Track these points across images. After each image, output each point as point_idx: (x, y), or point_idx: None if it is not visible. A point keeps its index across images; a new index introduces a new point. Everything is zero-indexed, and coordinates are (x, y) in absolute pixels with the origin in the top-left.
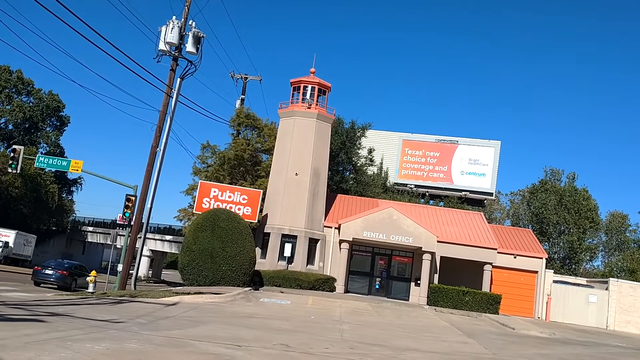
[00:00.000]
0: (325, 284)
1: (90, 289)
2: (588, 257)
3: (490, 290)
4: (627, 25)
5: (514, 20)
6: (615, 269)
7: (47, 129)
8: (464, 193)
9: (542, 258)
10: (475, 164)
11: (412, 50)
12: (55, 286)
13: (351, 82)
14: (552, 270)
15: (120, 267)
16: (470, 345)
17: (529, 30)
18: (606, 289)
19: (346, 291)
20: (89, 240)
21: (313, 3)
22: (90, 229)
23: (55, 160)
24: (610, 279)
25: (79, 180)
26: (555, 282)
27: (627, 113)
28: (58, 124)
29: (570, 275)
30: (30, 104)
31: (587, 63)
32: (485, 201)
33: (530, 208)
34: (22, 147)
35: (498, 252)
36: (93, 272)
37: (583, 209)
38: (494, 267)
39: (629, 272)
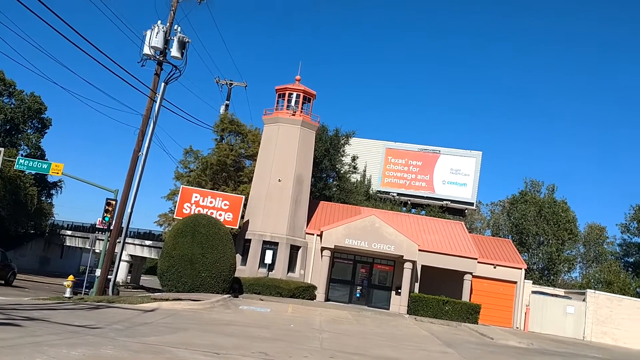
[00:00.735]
0: (305, 292)
1: (67, 294)
2: (566, 269)
3: (470, 300)
4: (612, 33)
5: (497, 27)
6: (592, 281)
7: (28, 131)
8: (445, 202)
9: (521, 269)
10: (456, 173)
11: (397, 58)
12: None
13: (336, 89)
14: (531, 281)
15: (98, 272)
16: (449, 355)
17: (512, 37)
18: (583, 300)
19: (327, 299)
20: (67, 244)
21: (300, 9)
22: (69, 232)
23: (36, 162)
24: (588, 290)
25: (58, 184)
26: (534, 292)
27: (609, 123)
28: (39, 126)
29: (549, 286)
30: (12, 105)
31: (570, 72)
32: (466, 211)
33: (510, 218)
34: (2, 149)
35: (478, 262)
36: (70, 277)
37: (562, 221)
38: (474, 276)
39: (605, 284)
